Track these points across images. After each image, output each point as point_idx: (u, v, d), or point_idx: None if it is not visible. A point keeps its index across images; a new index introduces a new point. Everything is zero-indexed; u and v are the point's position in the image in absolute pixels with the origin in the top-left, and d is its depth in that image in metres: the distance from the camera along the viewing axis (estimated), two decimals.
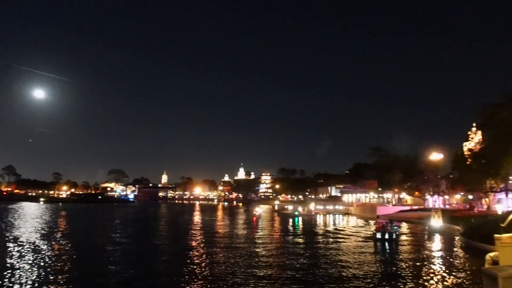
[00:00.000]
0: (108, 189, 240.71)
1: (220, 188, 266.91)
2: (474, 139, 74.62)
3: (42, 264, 22.25)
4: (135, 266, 22.99)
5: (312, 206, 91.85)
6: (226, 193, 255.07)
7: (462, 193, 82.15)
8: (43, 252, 26.84)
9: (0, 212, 74.09)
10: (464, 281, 19.48)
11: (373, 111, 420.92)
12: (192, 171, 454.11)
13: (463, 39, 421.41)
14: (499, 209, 47.49)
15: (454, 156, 71.82)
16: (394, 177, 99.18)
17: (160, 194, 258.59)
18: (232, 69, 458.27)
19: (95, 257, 26.04)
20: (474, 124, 75.15)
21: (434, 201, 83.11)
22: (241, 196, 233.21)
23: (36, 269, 20.56)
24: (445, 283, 19.07)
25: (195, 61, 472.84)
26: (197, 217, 75.76)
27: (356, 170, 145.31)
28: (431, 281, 19.33)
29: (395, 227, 38.53)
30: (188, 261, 24.58)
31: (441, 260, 26.44)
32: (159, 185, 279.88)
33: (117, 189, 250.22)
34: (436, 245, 36.58)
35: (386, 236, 36.48)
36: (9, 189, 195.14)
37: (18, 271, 20.06)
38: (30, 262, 22.71)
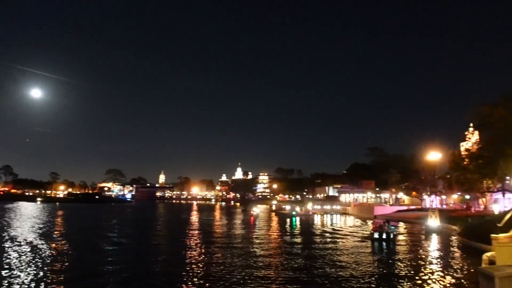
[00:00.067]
0: (106, 189, 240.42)
1: (218, 188, 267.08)
2: (471, 139, 74.82)
3: (39, 264, 22.17)
4: (134, 266, 22.95)
5: (309, 206, 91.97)
6: (224, 193, 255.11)
7: (459, 193, 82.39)
8: (40, 252, 26.75)
9: None
10: (461, 281, 19.54)
11: (373, 111, 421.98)
12: (189, 171, 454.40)
13: (463, 39, 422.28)
14: (496, 209, 47.70)
15: (451, 156, 72.03)
16: (391, 177, 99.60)
17: (158, 194, 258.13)
18: (232, 69, 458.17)
19: (93, 257, 25.95)
20: (471, 124, 75.36)
21: (431, 201, 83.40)
22: (238, 196, 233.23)
23: (33, 269, 20.48)
24: (442, 283, 19.13)
25: (195, 61, 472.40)
26: (194, 217, 75.72)
27: (353, 170, 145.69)
28: (428, 281, 19.38)
29: (392, 227, 38.61)
30: (186, 260, 24.58)
31: (438, 260, 26.52)
32: (157, 185, 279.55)
33: (115, 189, 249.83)
34: (433, 245, 36.70)
35: (384, 236, 36.55)
36: (6, 188, 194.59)
37: (15, 271, 19.99)
38: (27, 262, 22.61)
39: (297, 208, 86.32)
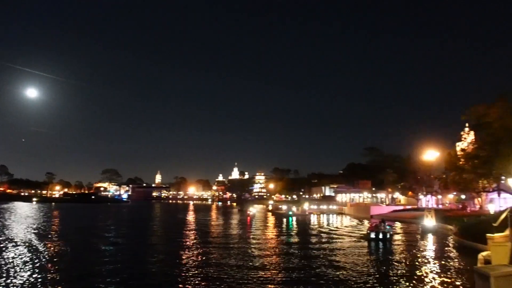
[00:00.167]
0: (102, 189, 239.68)
1: (214, 188, 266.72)
2: (467, 139, 75.27)
3: (37, 264, 22.07)
4: (131, 266, 22.89)
5: (306, 206, 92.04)
6: (220, 193, 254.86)
7: (455, 193, 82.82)
8: (37, 252, 26.61)
9: None
10: (457, 280, 19.64)
11: (373, 111, 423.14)
12: (186, 171, 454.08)
13: (463, 39, 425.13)
14: (492, 208, 48.05)
15: (447, 156, 72.44)
16: (387, 177, 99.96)
17: (154, 194, 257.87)
18: (232, 69, 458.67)
19: (90, 257, 25.87)
20: (466, 125, 75.77)
21: (427, 201, 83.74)
22: (235, 196, 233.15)
23: (30, 270, 20.39)
24: (437, 282, 19.23)
25: (195, 61, 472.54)
26: (191, 217, 75.61)
27: (350, 170, 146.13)
28: (424, 281, 19.48)
29: (388, 227, 38.75)
30: (183, 261, 24.55)
31: (434, 260, 26.64)
32: (153, 185, 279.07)
33: (111, 189, 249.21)
34: (429, 244, 36.83)
35: (380, 236, 36.67)
36: (1, 189, 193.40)
37: (12, 271, 19.88)
38: (24, 262, 22.51)
39: (294, 208, 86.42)
